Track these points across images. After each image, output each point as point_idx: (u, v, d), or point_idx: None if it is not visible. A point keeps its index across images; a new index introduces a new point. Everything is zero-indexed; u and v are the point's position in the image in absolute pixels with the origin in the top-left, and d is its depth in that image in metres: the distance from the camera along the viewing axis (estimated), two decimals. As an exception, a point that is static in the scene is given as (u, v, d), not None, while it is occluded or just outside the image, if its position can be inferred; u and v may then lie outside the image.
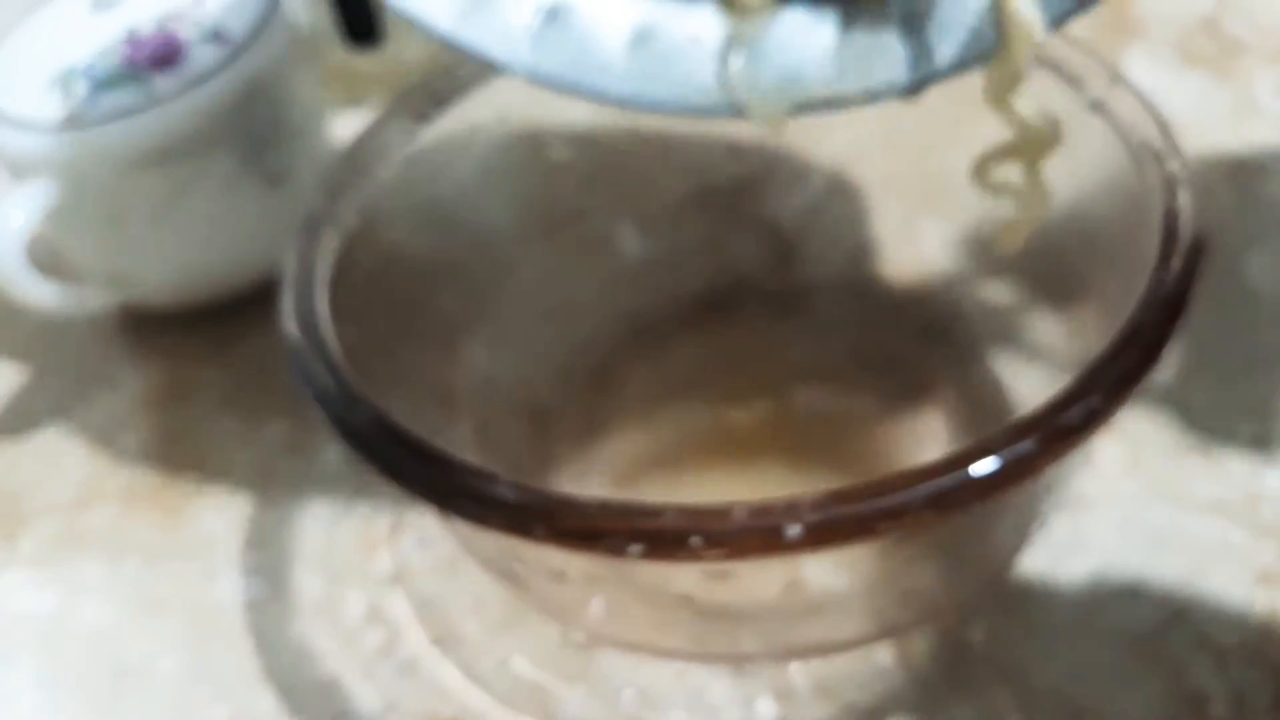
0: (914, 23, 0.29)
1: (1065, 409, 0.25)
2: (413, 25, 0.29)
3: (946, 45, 0.29)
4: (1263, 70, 0.49)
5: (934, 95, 0.30)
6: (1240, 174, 0.45)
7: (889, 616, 0.31)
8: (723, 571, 0.28)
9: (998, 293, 0.38)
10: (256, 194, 0.45)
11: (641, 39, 0.29)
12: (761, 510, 0.25)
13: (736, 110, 0.30)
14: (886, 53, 0.29)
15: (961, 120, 0.33)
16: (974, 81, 0.29)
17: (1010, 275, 0.38)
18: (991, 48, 0.28)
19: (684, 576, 0.28)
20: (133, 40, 0.43)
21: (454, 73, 0.37)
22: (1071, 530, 0.35)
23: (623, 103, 0.30)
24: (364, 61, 0.45)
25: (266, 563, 0.38)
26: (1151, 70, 0.50)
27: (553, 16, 0.29)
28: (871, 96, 0.29)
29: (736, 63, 0.29)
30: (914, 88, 0.29)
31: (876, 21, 0.29)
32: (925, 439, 0.37)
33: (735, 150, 0.40)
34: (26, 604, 0.39)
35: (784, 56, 0.29)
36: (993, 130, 0.35)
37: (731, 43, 0.29)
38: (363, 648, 0.36)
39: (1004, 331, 0.38)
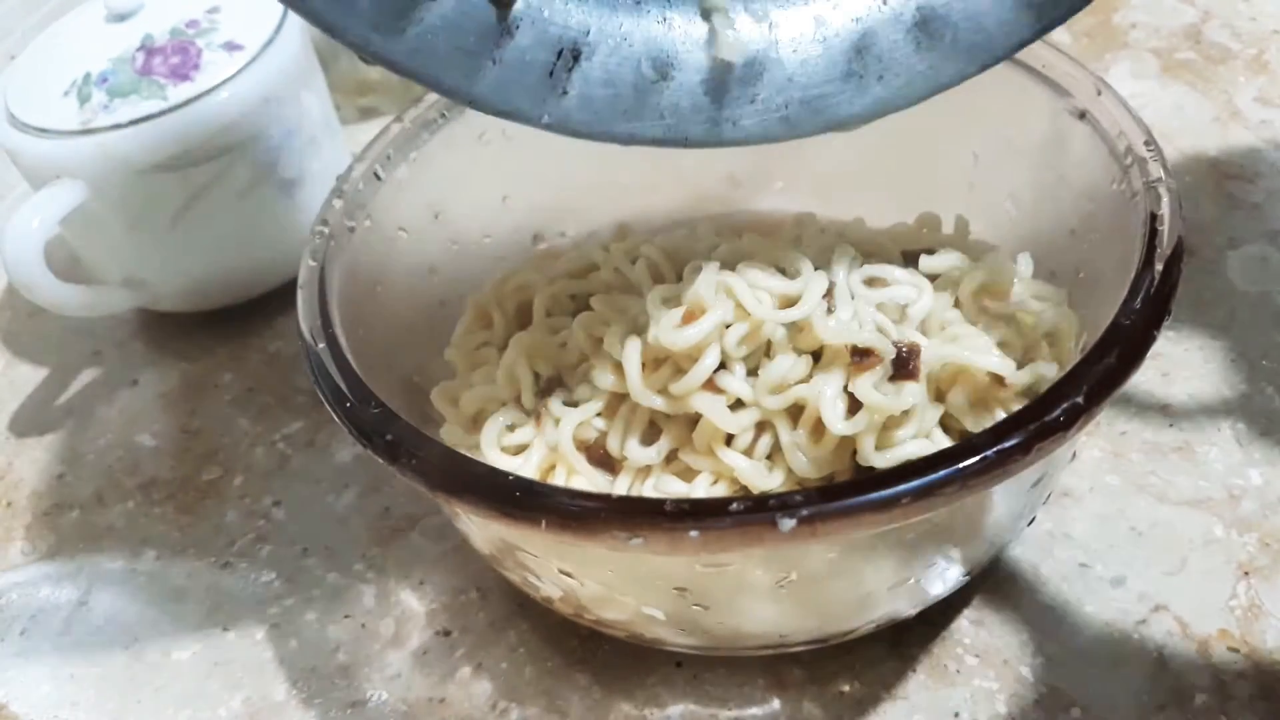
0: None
1: (1050, 407, 0.26)
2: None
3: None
4: (1243, 78, 0.50)
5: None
6: (1222, 179, 0.46)
7: (881, 608, 0.31)
8: (720, 563, 0.28)
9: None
10: (270, 200, 0.45)
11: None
12: (757, 504, 0.25)
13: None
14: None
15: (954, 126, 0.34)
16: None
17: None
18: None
19: (683, 568, 0.28)
20: (148, 49, 0.43)
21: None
22: (1057, 524, 0.35)
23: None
24: (375, 71, 0.46)
25: (280, 556, 0.39)
26: (1136, 78, 0.51)
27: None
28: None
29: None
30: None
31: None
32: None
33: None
34: (47, 596, 0.39)
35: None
36: (984, 131, 0.36)
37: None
38: (374, 638, 0.36)
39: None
